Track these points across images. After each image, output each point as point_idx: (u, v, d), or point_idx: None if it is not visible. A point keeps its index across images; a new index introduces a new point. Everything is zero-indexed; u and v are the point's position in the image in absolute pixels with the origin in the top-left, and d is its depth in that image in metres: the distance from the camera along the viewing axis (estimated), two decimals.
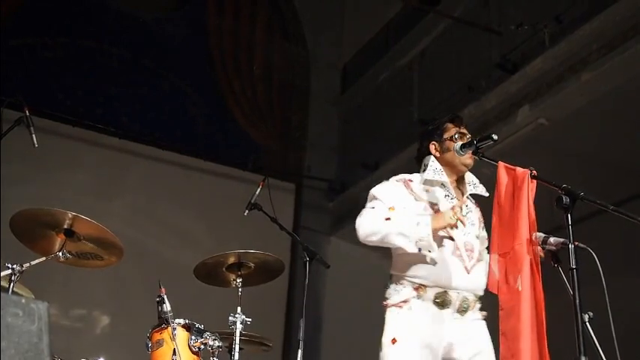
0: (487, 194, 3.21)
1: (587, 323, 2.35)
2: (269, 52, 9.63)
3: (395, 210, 3.11)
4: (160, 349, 3.65)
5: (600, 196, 2.50)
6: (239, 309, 3.85)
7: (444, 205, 3.18)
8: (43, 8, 7.87)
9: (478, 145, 3.04)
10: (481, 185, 3.32)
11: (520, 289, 2.58)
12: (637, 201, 6.79)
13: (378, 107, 8.80)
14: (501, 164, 2.84)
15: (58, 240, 3.51)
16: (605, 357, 2.36)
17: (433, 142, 3.34)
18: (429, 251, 3.04)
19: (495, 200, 2.86)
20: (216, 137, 8.82)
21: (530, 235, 2.63)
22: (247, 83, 9.29)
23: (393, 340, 3.05)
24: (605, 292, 2.39)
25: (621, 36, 5.55)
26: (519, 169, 2.77)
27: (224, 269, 4.00)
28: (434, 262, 3.06)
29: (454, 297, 3.08)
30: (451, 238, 3.12)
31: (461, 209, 3.05)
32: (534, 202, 2.71)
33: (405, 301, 3.11)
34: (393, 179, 3.30)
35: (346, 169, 9.16)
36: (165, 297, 3.68)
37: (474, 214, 3.30)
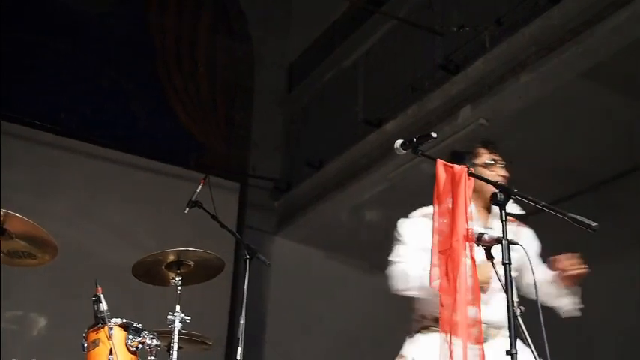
0: (523, 212, 3.17)
1: (519, 317, 2.39)
2: (213, 49, 9.56)
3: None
4: (96, 349, 3.60)
5: (539, 196, 2.54)
6: (178, 307, 3.81)
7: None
8: None
9: (418, 143, 3.05)
10: (514, 204, 3.16)
11: (458, 285, 2.61)
12: (573, 200, 6.96)
13: (323, 107, 8.82)
14: (439, 162, 2.87)
15: None
16: (535, 350, 2.41)
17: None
18: None
19: (434, 197, 2.89)
20: (158, 135, 8.69)
21: (467, 232, 2.66)
22: (190, 81, 9.20)
23: (400, 356, 3.12)
24: (535, 286, 2.44)
25: (559, 40, 5.67)
26: (457, 167, 2.80)
27: (163, 267, 3.95)
28: None
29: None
30: None
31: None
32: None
33: (428, 327, 3.11)
34: (420, 214, 3.24)
35: (291, 169, 9.16)
36: (101, 296, 3.63)
37: None
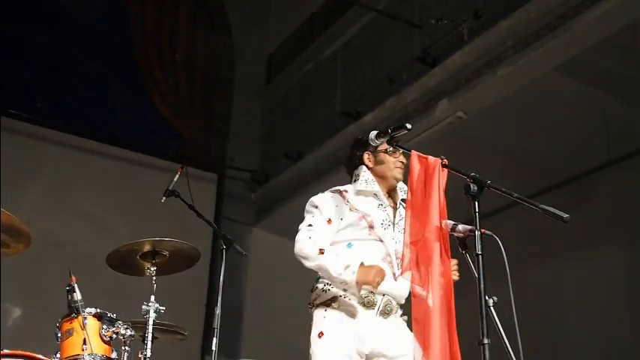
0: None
1: (492, 307, 2.41)
2: (193, 40, 9.51)
3: (332, 223, 3.23)
4: (69, 339, 3.57)
5: (515, 189, 2.56)
6: (152, 298, 3.79)
7: (377, 215, 3.27)
8: None
9: (393, 134, 3.05)
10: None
11: (430, 274, 2.63)
12: (549, 194, 7.02)
13: (301, 98, 8.81)
14: (414, 153, 2.87)
15: None
16: (507, 339, 2.43)
17: (367, 152, 3.39)
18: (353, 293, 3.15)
19: (408, 188, 2.90)
20: (137, 125, 8.63)
21: (440, 223, 2.68)
22: (170, 72, 9.16)
23: (320, 334, 3.15)
24: (509, 277, 2.46)
25: (535, 33, 5.72)
26: (431, 158, 2.81)
27: (138, 257, 3.92)
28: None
29: (379, 299, 3.17)
30: (382, 243, 3.23)
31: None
32: (445, 191, 2.77)
33: (332, 299, 3.19)
34: (329, 191, 3.37)
35: (269, 160, 9.14)
36: (75, 286, 3.60)
37: None
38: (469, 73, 6.26)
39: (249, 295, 8.62)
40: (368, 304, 3.15)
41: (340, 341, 3.11)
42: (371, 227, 3.24)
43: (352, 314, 3.14)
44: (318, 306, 3.23)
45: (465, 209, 2.63)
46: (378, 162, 3.37)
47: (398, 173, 3.34)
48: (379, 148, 3.33)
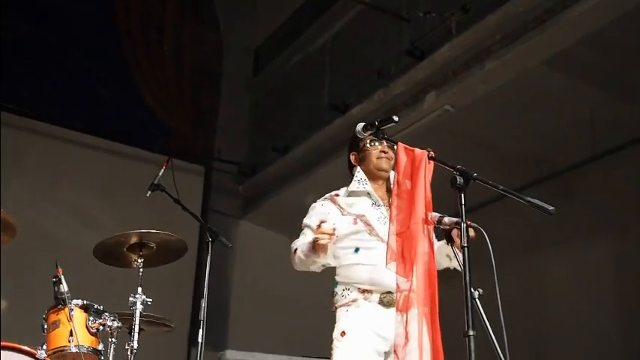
0: None
1: (477, 299, 2.42)
2: (180, 33, 9.47)
3: None
4: (56, 331, 3.57)
5: (501, 182, 2.57)
6: (139, 289, 3.79)
7: (372, 214, 3.29)
8: None
9: (380, 126, 3.07)
10: None
11: (414, 265, 2.64)
12: (535, 187, 7.05)
13: (289, 91, 8.80)
14: (401, 145, 2.88)
15: None
16: (492, 331, 2.45)
17: (353, 153, 3.45)
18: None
19: (395, 180, 2.91)
20: (123, 117, 8.58)
21: (426, 215, 2.69)
22: (157, 64, 9.11)
23: (342, 333, 3.19)
24: (494, 269, 2.47)
25: (523, 27, 5.73)
26: (418, 150, 2.82)
27: (125, 249, 3.92)
28: (375, 268, 3.15)
29: (398, 296, 3.16)
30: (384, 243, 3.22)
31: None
32: (432, 184, 2.78)
33: (353, 301, 3.23)
34: (320, 200, 3.43)
35: (256, 153, 9.13)
36: (62, 277, 3.60)
37: None
38: (457, 67, 6.26)
39: (235, 288, 8.62)
40: (387, 304, 3.17)
41: (361, 340, 3.15)
42: (368, 226, 3.26)
43: (373, 314, 3.18)
44: (339, 307, 3.27)
45: (452, 202, 2.64)
46: (362, 159, 3.42)
47: (382, 163, 3.37)
48: (361, 145, 3.38)
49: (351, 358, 3.11)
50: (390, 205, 3.30)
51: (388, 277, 3.07)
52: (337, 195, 3.40)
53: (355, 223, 3.27)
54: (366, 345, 3.14)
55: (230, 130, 9.42)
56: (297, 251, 3.24)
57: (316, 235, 3.06)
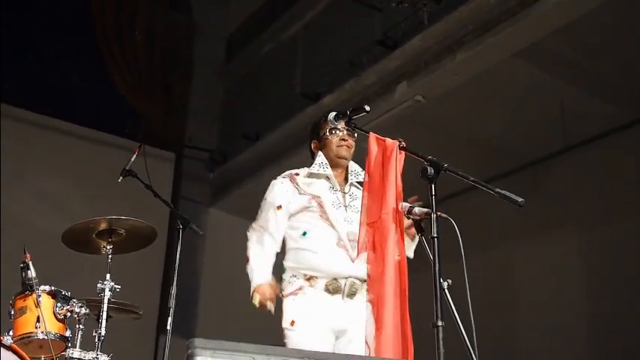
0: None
1: (446, 290, 2.44)
2: (152, 18, 9.38)
3: (282, 209, 3.38)
4: (22, 317, 3.53)
5: (472, 173, 2.59)
6: (108, 276, 3.76)
7: (327, 196, 3.37)
8: None
9: (351, 116, 3.08)
10: (363, 173, 3.39)
11: (385, 255, 2.65)
12: (506, 179, 7.12)
13: (261, 79, 8.76)
14: (372, 135, 2.90)
15: None
16: (461, 322, 2.47)
17: (314, 140, 3.57)
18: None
19: (366, 170, 2.92)
20: (94, 102, 8.51)
21: (397, 205, 2.70)
22: (128, 49, 9.02)
23: (292, 323, 3.25)
24: (464, 260, 2.49)
25: (495, 19, 5.76)
26: (389, 140, 2.83)
27: (94, 236, 3.88)
28: (321, 255, 3.26)
29: (342, 283, 3.25)
30: (334, 229, 3.30)
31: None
32: (403, 174, 2.79)
33: (299, 289, 3.29)
34: (280, 176, 3.51)
35: (227, 140, 9.09)
36: (30, 263, 3.56)
37: (359, 201, 3.37)
38: (429, 57, 6.29)
39: (205, 275, 8.59)
40: (333, 291, 3.24)
41: (312, 327, 3.20)
42: (321, 207, 3.32)
43: (319, 301, 3.23)
44: (286, 296, 3.33)
45: (424, 193, 2.66)
46: (322, 146, 3.50)
47: (341, 151, 3.45)
48: (320, 133, 3.49)
49: (306, 346, 3.12)
50: (344, 193, 3.42)
51: (334, 264, 3.23)
52: (297, 174, 3.48)
53: (310, 202, 3.35)
54: (318, 331, 3.20)
55: (201, 118, 9.37)
56: (249, 259, 3.50)
57: (256, 298, 3.29)
